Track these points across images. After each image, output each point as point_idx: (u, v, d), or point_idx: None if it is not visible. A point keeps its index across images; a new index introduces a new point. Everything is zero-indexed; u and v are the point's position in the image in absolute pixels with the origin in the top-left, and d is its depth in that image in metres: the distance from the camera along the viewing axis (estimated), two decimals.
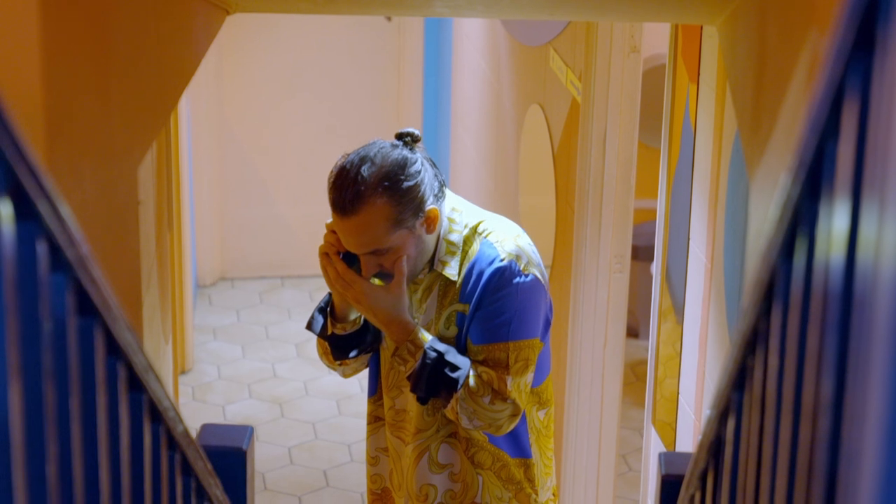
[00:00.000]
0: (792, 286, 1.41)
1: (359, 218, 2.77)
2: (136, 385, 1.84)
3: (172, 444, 2.13)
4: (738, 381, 1.82)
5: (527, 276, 2.88)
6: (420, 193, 2.82)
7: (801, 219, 1.35)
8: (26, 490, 1.34)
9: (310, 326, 3.03)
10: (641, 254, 5.97)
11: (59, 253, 1.43)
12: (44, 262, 1.38)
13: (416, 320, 2.93)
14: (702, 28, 3.52)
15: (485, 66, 6.23)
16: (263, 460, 5.90)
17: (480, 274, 2.88)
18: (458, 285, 2.92)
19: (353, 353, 3.03)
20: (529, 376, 2.93)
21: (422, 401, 2.92)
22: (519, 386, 2.89)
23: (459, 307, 2.92)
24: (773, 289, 1.52)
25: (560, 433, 4.63)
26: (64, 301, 1.48)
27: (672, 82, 3.90)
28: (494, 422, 2.90)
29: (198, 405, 6.41)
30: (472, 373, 2.87)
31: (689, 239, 3.70)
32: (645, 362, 4.42)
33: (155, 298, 4.04)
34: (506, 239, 2.90)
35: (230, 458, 2.69)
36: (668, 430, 3.95)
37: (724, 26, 3.01)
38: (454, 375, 2.85)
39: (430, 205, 2.84)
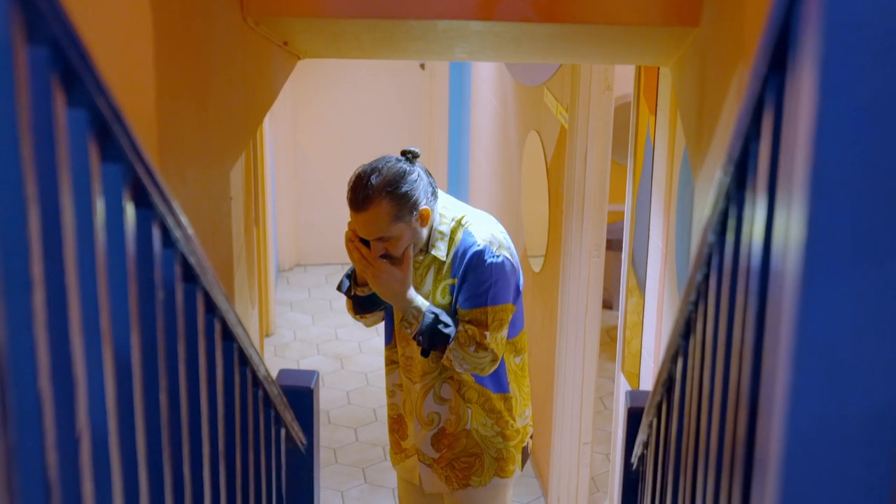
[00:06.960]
0: (724, 256, 1.40)
1: (368, 214, 2.84)
2: (229, 336, 1.84)
3: (256, 382, 2.13)
4: (685, 330, 1.81)
5: (497, 256, 2.93)
6: (415, 197, 2.86)
7: (730, 203, 1.34)
8: (144, 412, 1.35)
9: (339, 288, 3.11)
10: (613, 245, 5.95)
11: (169, 233, 1.43)
12: (157, 240, 1.38)
13: (419, 292, 2.99)
14: (658, 70, 3.50)
15: (495, 102, 6.22)
16: (327, 401, 5.90)
17: (463, 255, 2.94)
18: (447, 264, 2.96)
19: (374, 308, 3.10)
20: (504, 331, 2.98)
21: (425, 353, 2.98)
22: (496, 339, 2.94)
23: (450, 281, 2.97)
24: (710, 258, 1.51)
25: (551, 380, 4.61)
26: (172, 270, 1.48)
27: (637, 115, 3.88)
28: (478, 365, 2.96)
29: (278, 360, 6.42)
30: (461, 329, 2.92)
31: (649, 232, 3.68)
32: (616, 328, 4.41)
33: (243, 273, 4.04)
34: (481, 230, 2.96)
35: (301, 395, 2.69)
36: (634, 378, 3.94)
37: (675, 66, 3.00)
38: (447, 331, 2.91)
39: (423, 205, 2.88)
